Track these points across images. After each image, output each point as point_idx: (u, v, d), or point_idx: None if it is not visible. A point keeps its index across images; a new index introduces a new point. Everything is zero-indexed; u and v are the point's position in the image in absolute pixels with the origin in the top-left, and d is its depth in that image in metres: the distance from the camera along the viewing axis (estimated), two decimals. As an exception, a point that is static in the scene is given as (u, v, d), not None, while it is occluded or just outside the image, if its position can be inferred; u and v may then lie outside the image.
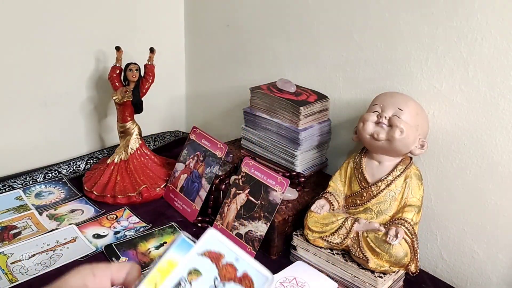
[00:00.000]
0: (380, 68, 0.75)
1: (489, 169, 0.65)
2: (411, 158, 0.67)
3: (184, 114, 1.26)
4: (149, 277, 0.36)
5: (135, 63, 0.88)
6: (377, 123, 0.65)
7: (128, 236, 0.76)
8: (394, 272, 0.63)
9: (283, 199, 0.71)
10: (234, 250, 0.37)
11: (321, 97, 0.81)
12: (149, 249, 0.73)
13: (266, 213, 0.70)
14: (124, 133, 0.91)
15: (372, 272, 0.62)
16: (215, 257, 0.37)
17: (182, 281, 0.37)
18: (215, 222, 0.76)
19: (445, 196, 0.71)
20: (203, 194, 0.81)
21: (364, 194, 0.67)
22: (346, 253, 0.66)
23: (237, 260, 0.37)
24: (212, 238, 0.38)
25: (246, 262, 0.37)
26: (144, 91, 0.89)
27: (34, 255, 0.70)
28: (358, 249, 0.63)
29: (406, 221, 0.63)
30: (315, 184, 0.81)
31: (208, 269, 0.37)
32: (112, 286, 0.36)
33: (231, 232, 0.74)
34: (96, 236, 0.76)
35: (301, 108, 0.75)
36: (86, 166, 1.00)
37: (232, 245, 0.38)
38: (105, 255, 0.71)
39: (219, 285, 0.36)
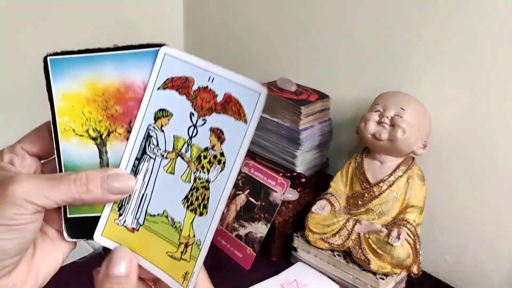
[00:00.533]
0: (382, 68, 0.75)
1: (492, 170, 0.65)
2: (413, 158, 0.67)
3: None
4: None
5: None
6: (379, 122, 0.64)
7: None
8: (396, 273, 0.62)
9: (283, 199, 0.70)
10: (205, 68, 0.29)
11: (322, 96, 0.80)
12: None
13: (266, 214, 0.70)
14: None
15: (374, 273, 0.62)
16: (182, 86, 0.29)
17: (151, 130, 0.30)
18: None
19: (447, 197, 0.70)
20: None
21: (366, 194, 0.66)
22: (347, 255, 0.65)
23: (211, 80, 0.29)
24: (169, 60, 0.29)
25: (225, 80, 0.28)
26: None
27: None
28: (360, 250, 0.62)
29: (408, 222, 0.62)
30: (316, 184, 0.80)
31: (178, 105, 0.29)
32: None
33: (230, 233, 0.73)
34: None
35: (302, 107, 0.75)
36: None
37: (199, 60, 0.29)
38: (103, 256, 0.70)
39: (198, 122, 0.29)
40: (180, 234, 0.30)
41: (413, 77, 0.70)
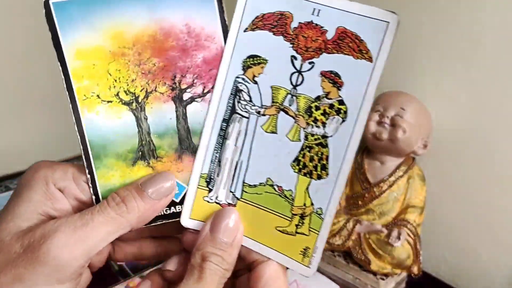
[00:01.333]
0: (382, 67, 0.74)
1: (493, 170, 0.64)
2: (413, 158, 0.66)
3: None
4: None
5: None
6: (379, 122, 0.64)
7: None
8: (396, 274, 0.62)
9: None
10: None
11: (322, 96, 0.80)
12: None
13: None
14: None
15: (374, 274, 0.62)
16: (276, 24, 0.23)
17: (240, 83, 0.24)
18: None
19: (448, 197, 0.70)
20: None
21: (366, 195, 0.66)
22: (347, 255, 0.65)
23: (317, 13, 0.23)
24: None
25: (335, 10, 0.22)
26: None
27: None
28: (360, 250, 0.62)
29: (409, 223, 0.62)
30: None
31: (275, 48, 0.23)
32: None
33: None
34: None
35: (302, 107, 0.74)
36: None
37: None
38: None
39: (303, 66, 0.23)
40: (293, 204, 0.25)
41: (414, 77, 0.70)
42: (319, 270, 0.67)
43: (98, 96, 0.25)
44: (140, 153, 0.27)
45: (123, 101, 0.26)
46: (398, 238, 0.60)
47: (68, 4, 0.24)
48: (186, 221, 0.27)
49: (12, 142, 0.94)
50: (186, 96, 0.26)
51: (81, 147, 0.26)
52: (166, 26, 0.25)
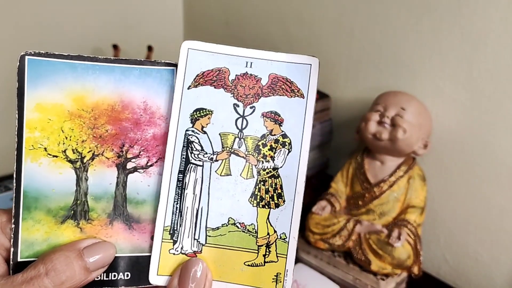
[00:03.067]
0: (382, 67, 0.74)
1: (494, 170, 0.64)
2: (414, 158, 0.66)
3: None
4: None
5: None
6: (380, 122, 0.63)
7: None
8: (396, 274, 0.62)
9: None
10: (238, 54, 0.25)
11: (322, 96, 0.80)
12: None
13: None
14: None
15: (375, 274, 0.62)
16: (216, 79, 0.26)
17: (191, 135, 0.26)
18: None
19: (448, 197, 0.70)
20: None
21: (366, 195, 0.66)
22: (348, 255, 0.65)
23: (250, 65, 0.26)
24: (195, 54, 0.26)
25: (265, 61, 0.25)
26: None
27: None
28: (360, 251, 0.62)
29: (409, 223, 0.62)
30: (316, 185, 0.80)
31: (217, 99, 0.26)
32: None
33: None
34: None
35: (302, 107, 0.74)
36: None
37: (230, 48, 0.26)
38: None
39: (246, 111, 0.26)
40: (257, 237, 0.26)
41: (414, 76, 0.70)
42: (319, 270, 0.67)
43: (45, 148, 0.27)
44: (72, 212, 0.27)
45: (69, 159, 0.27)
46: (399, 238, 0.60)
47: (41, 62, 0.26)
48: (154, 278, 0.27)
49: (12, 142, 0.94)
50: (130, 165, 0.28)
51: (14, 194, 0.26)
52: (126, 99, 0.27)
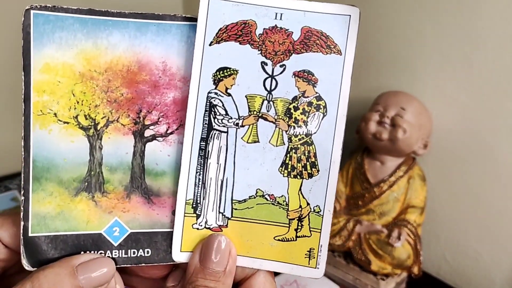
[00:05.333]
0: (382, 67, 0.74)
1: (494, 170, 0.64)
2: (414, 158, 0.66)
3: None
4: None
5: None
6: (380, 122, 0.63)
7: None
8: (396, 274, 0.62)
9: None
10: (266, 4, 0.22)
11: (322, 96, 0.80)
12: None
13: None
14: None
15: (375, 274, 0.61)
16: (241, 33, 0.23)
17: (214, 98, 0.23)
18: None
19: (448, 197, 0.70)
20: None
21: (366, 195, 0.66)
22: (348, 255, 0.65)
23: (279, 17, 0.23)
24: (217, 5, 0.23)
25: (297, 12, 0.22)
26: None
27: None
28: (360, 251, 0.62)
29: (409, 223, 0.62)
30: (316, 184, 0.80)
31: (243, 57, 0.23)
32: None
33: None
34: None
35: (302, 107, 0.74)
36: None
37: None
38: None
39: (275, 70, 0.23)
40: (288, 210, 0.24)
41: (414, 76, 0.70)
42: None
43: (55, 114, 0.24)
44: (86, 184, 0.25)
45: (81, 125, 0.25)
46: (399, 238, 0.60)
47: (48, 17, 0.23)
48: (177, 255, 0.25)
49: (12, 142, 0.94)
50: (148, 133, 0.25)
51: (23, 163, 0.24)
52: (142, 59, 0.24)
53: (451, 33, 0.65)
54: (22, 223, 0.24)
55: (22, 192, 0.24)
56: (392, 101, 0.64)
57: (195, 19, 0.24)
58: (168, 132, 0.25)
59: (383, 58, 0.74)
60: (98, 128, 0.25)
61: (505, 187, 0.64)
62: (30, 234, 0.24)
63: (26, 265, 0.24)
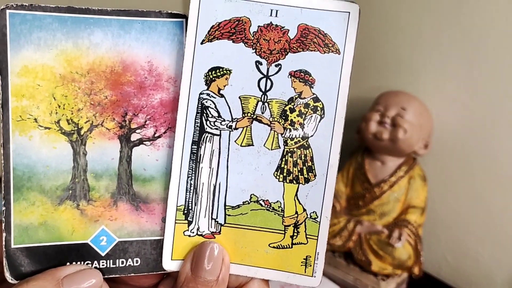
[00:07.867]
0: (383, 67, 0.74)
1: (494, 170, 0.64)
2: (414, 158, 0.66)
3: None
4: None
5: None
6: (380, 122, 0.63)
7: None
8: (397, 274, 0.62)
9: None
10: (261, 0, 0.21)
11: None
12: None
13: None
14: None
15: (375, 275, 0.61)
16: (234, 31, 0.22)
17: (206, 100, 0.22)
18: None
19: (449, 197, 0.70)
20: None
21: (367, 195, 0.65)
22: (348, 256, 0.65)
23: (275, 14, 0.22)
24: (209, 1, 0.22)
25: (293, 9, 0.21)
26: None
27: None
28: (361, 251, 0.62)
29: (410, 223, 0.62)
30: (316, 184, 0.79)
31: (236, 56, 0.22)
32: None
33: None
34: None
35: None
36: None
37: None
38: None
39: (270, 70, 0.22)
40: (283, 216, 0.23)
41: (415, 76, 0.70)
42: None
43: (35, 119, 0.23)
44: (70, 191, 0.24)
45: (63, 131, 0.23)
46: (399, 238, 0.60)
47: (25, 17, 0.22)
48: (168, 264, 0.24)
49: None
50: (134, 137, 0.24)
51: (3, 172, 0.23)
52: (127, 59, 0.23)
53: (451, 33, 0.64)
54: (4, 234, 0.23)
55: (3, 203, 0.23)
56: (392, 101, 0.64)
57: (182, 16, 0.23)
58: (156, 135, 0.24)
59: (383, 57, 0.74)
60: (82, 133, 0.24)
61: (506, 187, 0.63)
62: (12, 246, 0.23)
63: (9, 278, 0.23)
